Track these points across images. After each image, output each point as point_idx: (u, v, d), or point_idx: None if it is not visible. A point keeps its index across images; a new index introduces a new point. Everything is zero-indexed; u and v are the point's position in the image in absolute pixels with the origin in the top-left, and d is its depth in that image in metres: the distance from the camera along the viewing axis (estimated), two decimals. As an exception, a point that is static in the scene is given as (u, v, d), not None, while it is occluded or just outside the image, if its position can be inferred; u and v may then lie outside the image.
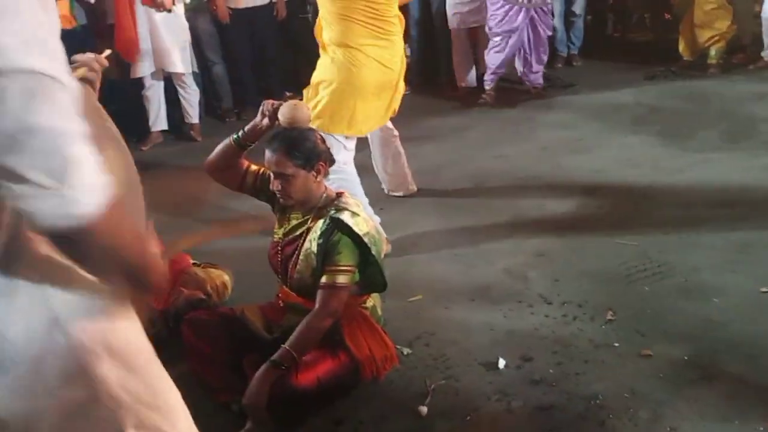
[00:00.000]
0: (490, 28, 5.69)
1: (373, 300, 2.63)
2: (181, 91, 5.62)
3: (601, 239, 3.45)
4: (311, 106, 3.22)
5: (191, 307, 2.91)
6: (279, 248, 2.56)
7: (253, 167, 2.61)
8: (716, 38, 6.01)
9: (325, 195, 2.50)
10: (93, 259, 1.01)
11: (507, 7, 5.54)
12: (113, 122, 1.33)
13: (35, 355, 1.06)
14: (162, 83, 5.61)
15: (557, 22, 6.59)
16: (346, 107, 3.32)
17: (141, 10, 5.23)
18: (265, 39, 6.19)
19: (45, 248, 1.06)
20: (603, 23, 7.87)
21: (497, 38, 5.65)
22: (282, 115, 2.39)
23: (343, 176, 3.33)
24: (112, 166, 1.17)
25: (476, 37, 6.20)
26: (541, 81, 5.90)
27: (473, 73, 6.29)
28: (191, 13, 5.69)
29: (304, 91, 3.47)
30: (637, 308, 2.85)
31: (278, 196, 2.47)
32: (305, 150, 2.39)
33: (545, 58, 5.87)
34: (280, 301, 2.63)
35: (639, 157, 4.43)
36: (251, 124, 2.52)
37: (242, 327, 2.57)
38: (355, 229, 2.39)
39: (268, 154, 2.41)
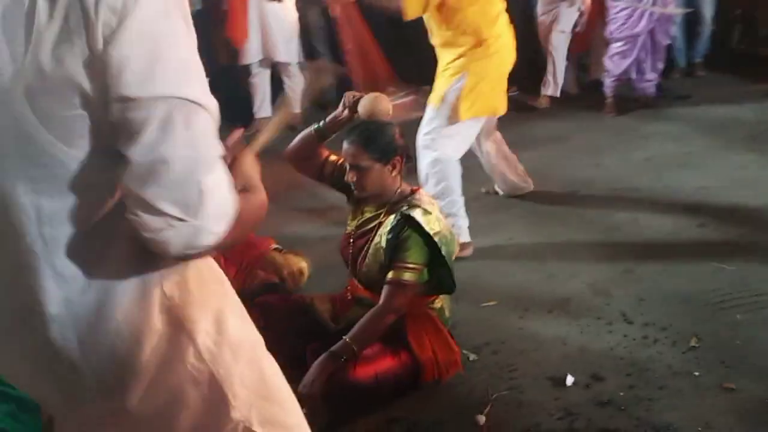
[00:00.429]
0: (610, 33, 5.46)
1: (441, 301, 2.57)
2: (286, 80, 5.73)
3: (697, 261, 3.24)
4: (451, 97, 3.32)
5: (265, 290, 2.96)
6: (351, 240, 2.55)
7: (333, 157, 2.61)
8: None
9: (399, 190, 2.47)
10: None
11: (629, 10, 5.30)
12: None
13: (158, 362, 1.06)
14: (268, 71, 5.75)
15: (677, 30, 6.27)
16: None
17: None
18: (375, 32, 6.20)
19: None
20: (729, 35, 7.42)
21: (619, 43, 5.42)
22: (362, 107, 2.38)
23: (449, 168, 3.39)
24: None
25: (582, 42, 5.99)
26: (654, 90, 5.62)
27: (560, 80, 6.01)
28: (303, 3, 5.79)
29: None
30: (725, 337, 2.66)
31: (353, 188, 2.46)
32: (382, 143, 2.37)
33: (661, 66, 5.58)
34: (348, 293, 2.62)
35: (752, 177, 4.13)
36: (332, 114, 2.52)
37: (310, 315, 2.59)
38: (426, 227, 2.34)
39: (345, 145, 2.41)
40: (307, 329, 2.55)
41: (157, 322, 1.03)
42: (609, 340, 2.70)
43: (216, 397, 1.10)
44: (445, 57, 3.41)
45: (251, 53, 5.54)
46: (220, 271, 1.18)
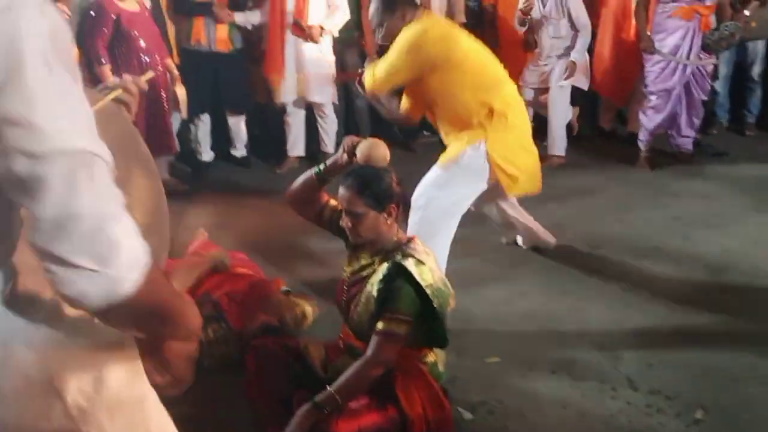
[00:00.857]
0: (646, 86, 5.39)
1: (435, 356, 2.51)
2: (320, 120, 5.79)
3: (715, 326, 3.13)
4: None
5: (264, 332, 2.95)
6: (345, 287, 2.53)
7: (332, 202, 2.60)
8: None
9: (396, 239, 2.44)
10: (125, 319, 1.01)
11: (663, 63, 5.21)
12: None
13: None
14: (303, 111, 5.82)
15: (721, 85, 6.15)
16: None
17: (291, 40, 5.47)
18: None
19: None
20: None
21: (653, 96, 5.33)
22: (360, 152, 2.37)
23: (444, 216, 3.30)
24: (140, 194, 1.20)
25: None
26: (690, 146, 5.49)
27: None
28: (341, 45, 5.87)
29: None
30: (734, 412, 2.54)
31: (348, 233, 2.44)
32: (377, 190, 2.35)
33: (698, 122, 5.46)
34: (340, 341, 2.58)
35: (781, 241, 3.99)
36: (332, 158, 2.52)
37: (302, 361, 2.56)
38: (418, 278, 2.30)
39: (341, 190, 2.39)
40: (299, 375, 2.51)
41: (24, 377, 1.02)
42: (610, 407, 2.60)
43: None
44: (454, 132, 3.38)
45: (286, 93, 5.61)
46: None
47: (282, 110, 5.82)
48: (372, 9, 3.39)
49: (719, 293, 3.44)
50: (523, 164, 3.35)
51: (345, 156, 2.46)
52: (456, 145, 3.33)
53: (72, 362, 1.07)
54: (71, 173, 0.89)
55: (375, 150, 2.36)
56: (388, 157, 2.40)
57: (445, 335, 2.40)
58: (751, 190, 4.82)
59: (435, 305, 2.32)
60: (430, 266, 2.36)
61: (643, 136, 5.45)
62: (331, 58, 5.67)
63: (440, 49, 3.18)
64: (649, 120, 5.37)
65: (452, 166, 3.30)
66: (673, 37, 5.15)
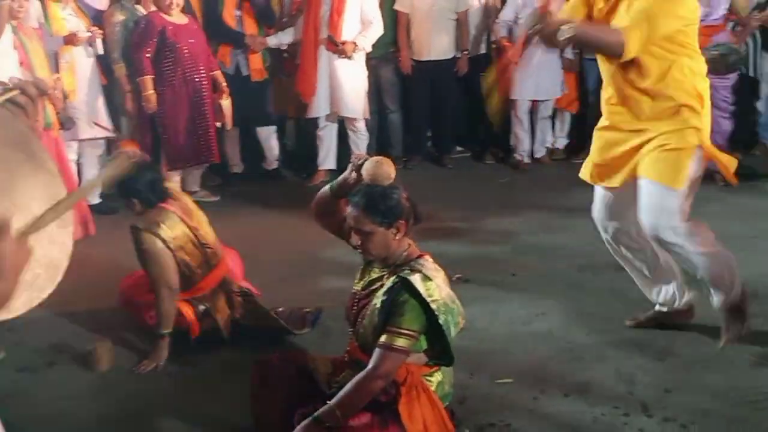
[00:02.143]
0: None
1: (441, 375, 2.47)
2: (351, 134, 5.81)
3: (737, 352, 3.01)
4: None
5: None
6: (356, 300, 2.52)
7: None
8: None
9: (406, 253, 2.42)
10: None
11: None
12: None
13: None
14: (335, 125, 5.86)
15: (763, 105, 5.99)
16: None
17: (324, 55, 5.51)
18: (445, 93, 6.23)
19: None
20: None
21: None
22: (365, 170, 2.37)
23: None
24: (32, 193, 1.21)
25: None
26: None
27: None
28: (376, 60, 5.91)
29: None
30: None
31: (359, 251, 2.44)
32: (384, 207, 2.34)
33: (720, 141, 5.26)
34: (346, 356, 2.57)
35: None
36: (342, 176, 2.52)
37: (309, 376, 2.55)
38: (424, 293, 2.28)
39: (349, 209, 2.39)
40: (304, 391, 2.51)
41: None
42: (621, 434, 2.53)
43: None
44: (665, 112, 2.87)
45: (319, 107, 5.66)
46: None
47: (315, 124, 5.86)
48: None
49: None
50: None
51: (354, 174, 2.46)
52: (676, 156, 2.85)
53: None
54: None
55: (379, 168, 2.35)
56: (393, 175, 2.38)
57: (450, 353, 2.37)
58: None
59: (441, 322, 2.29)
60: (438, 283, 2.34)
61: None
62: (364, 74, 5.70)
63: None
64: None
65: (686, 183, 2.87)
66: None
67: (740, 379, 2.84)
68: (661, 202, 2.86)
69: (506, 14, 5.90)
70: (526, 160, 6.22)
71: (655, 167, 2.85)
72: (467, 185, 5.84)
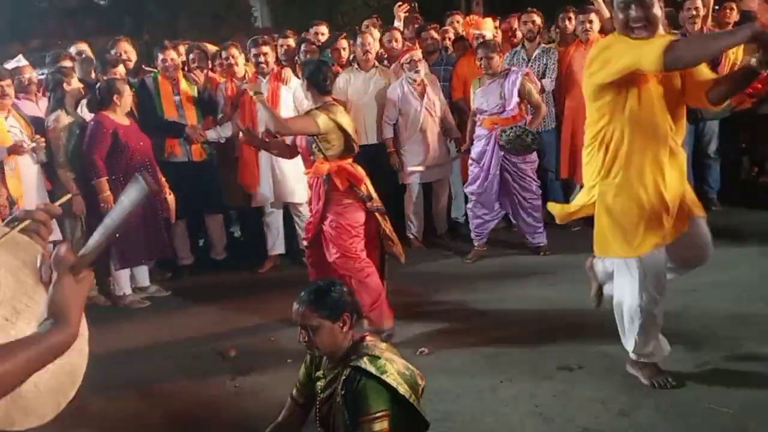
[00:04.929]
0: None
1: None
2: (296, 219, 5.91)
3: (693, 401, 3.19)
4: None
5: None
6: (318, 407, 2.58)
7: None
8: None
9: (350, 344, 2.51)
10: None
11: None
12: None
13: None
14: (281, 211, 5.95)
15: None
16: None
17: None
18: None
19: None
20: (739, 167, 7.50)
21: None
22: None
23: None
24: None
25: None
26: (541, 240, 5.72)
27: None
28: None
29: None
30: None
31: (305, 348, 2.52)
32: (330, 301, 2.45)
33: (533, 218, 5.70)
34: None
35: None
36: None
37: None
38: (376, 372, 2.36)
39: (294, 305, 2.49)
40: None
41: None
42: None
43: None
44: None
45: (263, 196, 5.77)
46: None
47: (260, 212, 5.95)
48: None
49: (695, 367, 3.51)
50: None
51: None
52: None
53: None
54: None
55: None
56: None
57: (423, 418, 2.45)
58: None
59: (401, 392, 2.36)
60: (386, 357, 2.42)
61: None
62: (303, 159, 5.83)
63: None
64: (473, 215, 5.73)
65: None
66: (479, 144, 5.54)
67: (698, 428, 3.00)
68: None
69: (389, 114, 6.03)
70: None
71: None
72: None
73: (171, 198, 5.33)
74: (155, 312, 5.13)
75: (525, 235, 5.76)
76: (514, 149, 5.36)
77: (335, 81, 5.62)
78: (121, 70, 5.53)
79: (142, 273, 5.44)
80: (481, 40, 5.88)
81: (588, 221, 3.43)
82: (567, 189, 6.37)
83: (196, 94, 5.78)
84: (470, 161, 5.69)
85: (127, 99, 5.07)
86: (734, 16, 6.41)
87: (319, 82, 4.16)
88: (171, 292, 5.46)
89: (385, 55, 6.55)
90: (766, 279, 4.65)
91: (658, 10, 2.95)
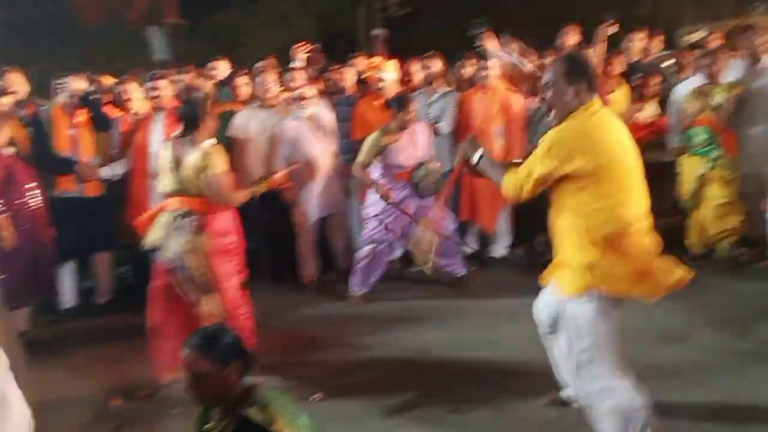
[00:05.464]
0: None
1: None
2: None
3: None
4: None
5: None
6: None
7: None
8: (727, 233, 5.88)
9: (238, 392, 2.41)
10: None
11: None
12: None
13: None
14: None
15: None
16: None
17: (154, 184, 5.48)
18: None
19: None
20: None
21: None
22: None
23: None
24: None
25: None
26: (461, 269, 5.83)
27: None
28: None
29: None
30: None
31: (192, 398, 2.42)
32: (221, 346, 2.38)
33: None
34: None
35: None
36: None
37: None
38: (266, 422, 2.28)
39: (183, 352, 2.39)
40: None
41: None
42: None
43: None
44: None
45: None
46: None
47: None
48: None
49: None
50: None
51: None
52: None
53: None
54: None
55: None
56: None
57: None
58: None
59: None
60: (277, 404, 2.36)
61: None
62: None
63: None
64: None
65: None
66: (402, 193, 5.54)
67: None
68: None
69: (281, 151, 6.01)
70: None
71: None
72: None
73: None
74: (32, 359, 4.79)
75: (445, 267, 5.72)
76: (424, 191, 5.40)
77: (232, 119, 5.60)
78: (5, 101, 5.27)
79: (21, 315, 5.13)
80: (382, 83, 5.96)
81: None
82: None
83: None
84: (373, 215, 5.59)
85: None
86: (618, 69, 6.65)
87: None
88: (52, 336, 5.16)
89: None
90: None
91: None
